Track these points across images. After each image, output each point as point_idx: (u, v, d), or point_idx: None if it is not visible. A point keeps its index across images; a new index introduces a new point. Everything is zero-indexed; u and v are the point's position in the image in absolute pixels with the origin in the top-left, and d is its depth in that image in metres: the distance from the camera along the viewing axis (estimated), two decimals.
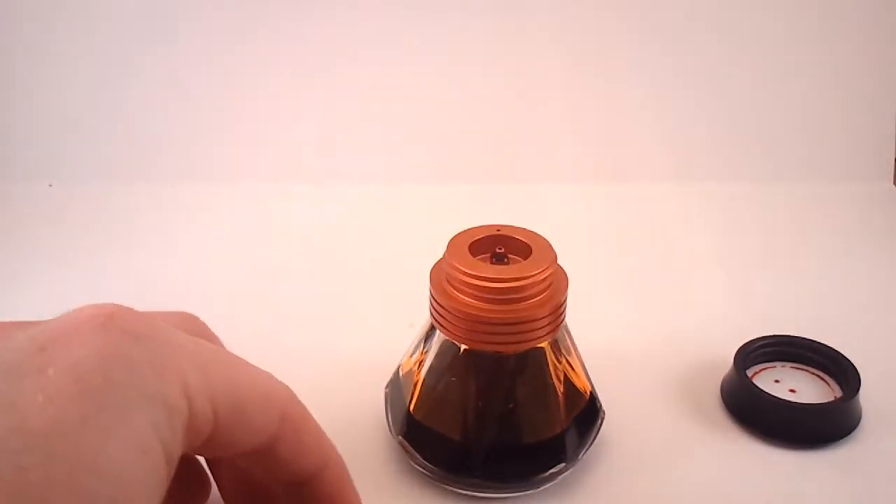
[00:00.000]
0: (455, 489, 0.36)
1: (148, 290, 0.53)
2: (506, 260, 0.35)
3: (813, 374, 0.42)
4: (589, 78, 0.69)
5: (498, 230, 0.36)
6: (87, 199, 0.66)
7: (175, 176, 0.68)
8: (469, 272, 0.33)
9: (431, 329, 0.36)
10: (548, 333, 0.34)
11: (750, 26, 0.67)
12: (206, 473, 0.26)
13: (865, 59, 0.68)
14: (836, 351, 0.42)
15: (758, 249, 0.59)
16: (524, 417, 0.36)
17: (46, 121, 0.69)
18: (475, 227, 0.37)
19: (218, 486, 0.26)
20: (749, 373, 0.42)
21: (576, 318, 0.37)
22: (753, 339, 0.43)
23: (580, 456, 0.36)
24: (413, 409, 0.36)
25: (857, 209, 0.65)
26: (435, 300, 0.35)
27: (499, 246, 0.35)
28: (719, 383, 0.43)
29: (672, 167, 0.69)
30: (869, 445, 0.39)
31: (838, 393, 0.41)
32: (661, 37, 0.67)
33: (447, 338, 0.35)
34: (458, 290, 0.34)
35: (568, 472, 0.36)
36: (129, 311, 0.19)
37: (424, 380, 0.36)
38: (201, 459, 0.26)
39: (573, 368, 0.37)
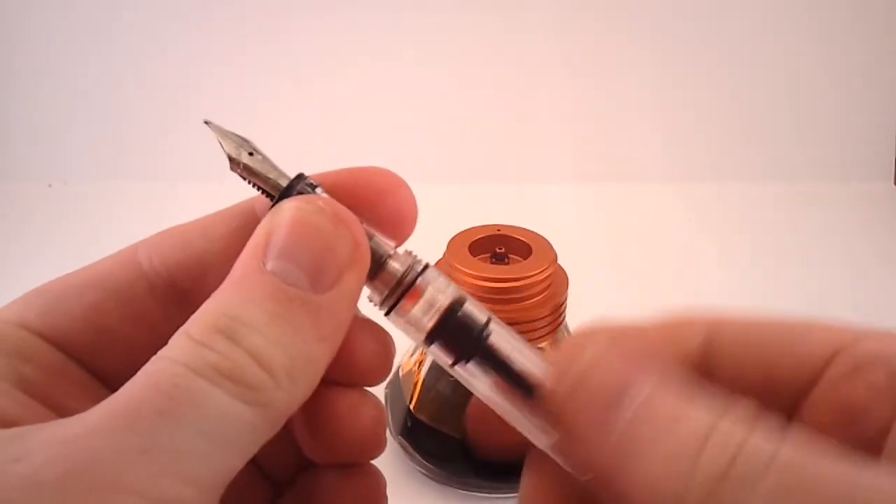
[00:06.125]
0: (455, 489, 0.36)
1: None
2: (506, 260, 0.35)
3: None
4: (589, 78, 0.69)
5: (498, 230, 0.36)
6: (87, 199, 0.66)
7: (175, 176, 0.68)
8: (469, 272, 0.33)
9: None
10: (548, 333, 0.34)
11: (750, 27, 0.67)
12: None
13: (866, 59, 0.68)
14: None
15: (758, 249, 0.59)
16: None
17: (46, 121, 0.69)
18: (475, 227, 0.37)
19: None
20: None
21: (576, 318, 0.37)
22: None
23: None
24: (413, 410, 0.36)
25: (857, 209, 0.65)
26: None
27: (499, 246, 0.35)
28: None
29: (672, 167, 0.69)
30: None
31: None
32: (662, 37, 0.67)
33: None
34: None
35: None
36: None
37: (424, 380, 0.36)
38: None
39: None
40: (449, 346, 0.18)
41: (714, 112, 0.69)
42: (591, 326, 0.17)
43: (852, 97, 0.69)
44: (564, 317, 0.35)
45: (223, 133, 0.19)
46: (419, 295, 0.18)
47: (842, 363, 0.16)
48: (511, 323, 0.35)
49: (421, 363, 0.37)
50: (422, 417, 0.36)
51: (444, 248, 0.35)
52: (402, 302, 0.18)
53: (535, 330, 0.34)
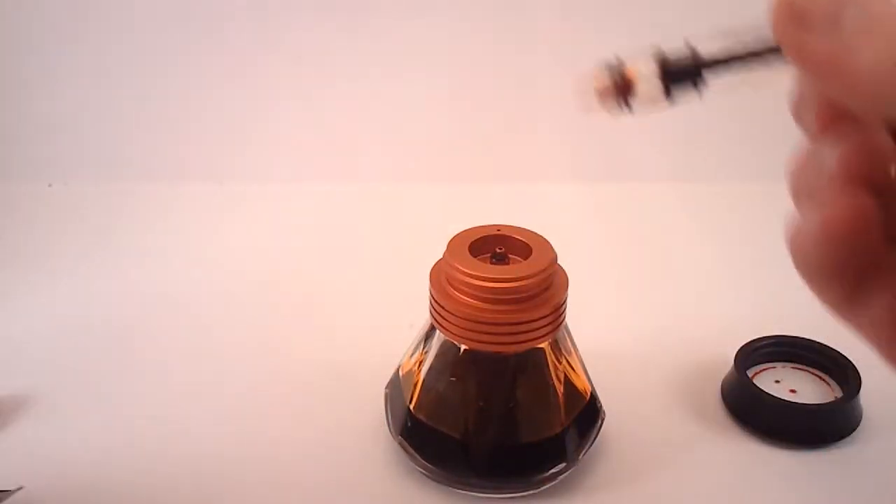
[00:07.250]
0: (455, 489, 0.36)
1: (147, 290, 0.53)
2: (506, 260, 0.35)
3: (813, 374, 0.42)
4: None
5: (498, 230, 0.36)
6: (87, 199, 0.66)
7: (175, 176, 0.68)
8: (469, 272, 0.33)
9: (431, 329, 0.36)
10: (548, 334, 0.34)
11: (750, 27, 0.67)
12: None
13: None
14: (836, 351, 0.42)
15: (758, 249, 0.59)
16: (524, 417, 0.36)
17: (46, 121, 0.69)
18: (475, 227, 0.37)
19: None
20: (749, 373, 0.42)
21: (576, 318, 0.37)
22: (754, 340, 0.43)
23: (580, 456, 0.36)
24: (413, 410, 0.36)
25: None
26: (435, 300, 0.35)
27: (499, 246, 0.35)
28: (719, 383, 0.43)
29: (672, 167, 0.69)
30: (869, 445, 0.39)
31: (839, 393, 0.41)
32: (661, 36, 0.67)
33: (447, 338, 0.35)
34: (458, 290, 0.34)
35: (568, 472, 0.36)
36: None
37: (424, 380, 0.36)
38: None
39: (573, 369, 0.37)
40: (683, 80, 0.23)
41: (714, 112, 0.69)
42: None
43: None
44: (564, 317, 0.35)
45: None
46: (633, 79, 0.23)
47: None
48: (511, 323, 0.35)
49: (421, 363, 0.37)
50: (422, 417, 0.36)
51: (444, 248, 0.35)
52: (629, 94, 0.23)
53: (535, 330, 0.34)
